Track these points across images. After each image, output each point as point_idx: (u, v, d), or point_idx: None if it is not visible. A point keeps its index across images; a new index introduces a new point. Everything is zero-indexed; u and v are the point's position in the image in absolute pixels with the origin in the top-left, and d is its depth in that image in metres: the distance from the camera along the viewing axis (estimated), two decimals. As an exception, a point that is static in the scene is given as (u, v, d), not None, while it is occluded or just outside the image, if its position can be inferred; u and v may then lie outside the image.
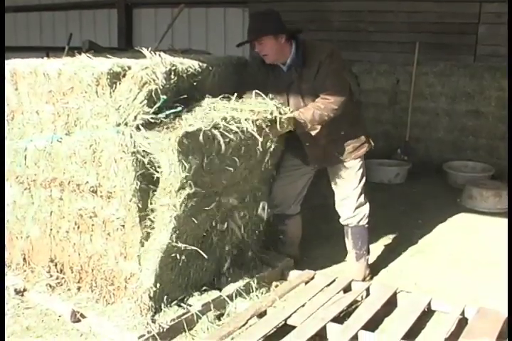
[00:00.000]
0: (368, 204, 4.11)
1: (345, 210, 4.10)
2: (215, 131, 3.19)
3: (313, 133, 3.79)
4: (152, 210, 3.23)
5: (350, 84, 3.89)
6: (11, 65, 3.52)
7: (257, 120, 3.39)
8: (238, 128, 3.29)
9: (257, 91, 3.60)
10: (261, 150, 3.53)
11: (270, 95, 3.67)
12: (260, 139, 3.41)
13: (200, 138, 3.13)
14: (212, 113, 3.32)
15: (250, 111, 3.43)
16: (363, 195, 4.07)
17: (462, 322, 3.44)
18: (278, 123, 3.51)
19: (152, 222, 3.26)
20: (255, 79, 3.82)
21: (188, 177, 3.11)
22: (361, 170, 4.04)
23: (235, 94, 3.55)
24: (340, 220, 4.15)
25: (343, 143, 3.93)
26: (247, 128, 3.32)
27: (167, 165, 3.06)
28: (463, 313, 3.53)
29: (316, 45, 3.81)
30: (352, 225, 4.12)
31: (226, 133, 3.24)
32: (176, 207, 3.19)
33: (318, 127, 3.77)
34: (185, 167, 3.07)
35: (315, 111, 3.68)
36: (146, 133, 3.08)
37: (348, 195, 4.05)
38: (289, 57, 3.76)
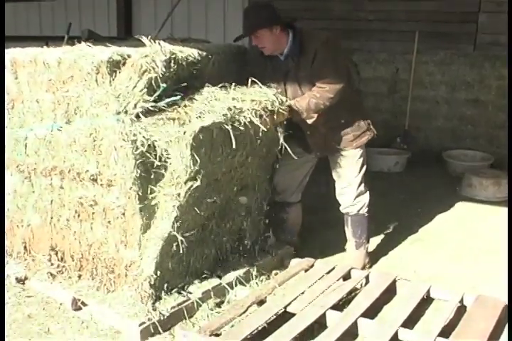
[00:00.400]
0: (368, 193, 4.13)
1: (345, 199, 4.11)
2: (227, 124, 3.21)
3: (309, 121, 3.80)
4: (153, 198, 3.24)
5: (349, 72, 3.90)
6: (10, 53, 3.52)
7: (259, 110, 3.41)
8: (245, 118, 3.30)
9: (253, 79, 3.61)
10: (261, 139, 3.54)
11: (270, 84, 3.69)
12: (265, 129, 3.43)
13: (214, 132, 3.16)
14: (214, 103, 3.33)
15: (252, 101, 3.45)
16: (363, 184, 4.09)
17: (461, 310, 3.46)
18: (277, 112, 3.53)
19: (154, 210, 3.27)
20: (254, 67, 3.83)
21: (197, 170, 3.13)
22: (362, 158, 4.05)
23: (233, 84, 3.55)
24: (341, 209, 4.16)
25: (343, 132, 3.94)
26: (250, 119, 3.33)
27: (178, 158, 3.08)
28: (462, 301, 3.55)
29: (312, 34, 3.82)
30: (352, 214, 4.13)
31: (235, 125, 3.26)
32: (180, 196, 3.20)
33: (315, 116, 3.78)
34: (196, 160, 3.09)
35: (310, 99, 3.70)
36: (159, 125, 3.09)
37: (349, 184, 4.06)
38: (286, 46, 3.77)
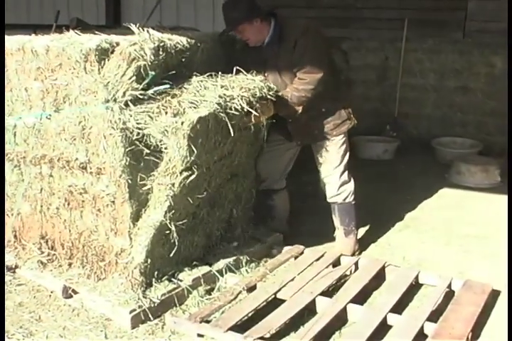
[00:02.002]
0: (352, 181, 4.12)
1: (329, 188, 4.11)
2: (222, 114, 3.22)
3: (296, 114, 3.81)
4: (144, 186, 3.25)
5: (333, 61, 3.92)
6: (-2, 41, 3.50)
7: (248, 97, 3.41)
8: (237, 105, 3.31)
9: (238, 68, 3.61)
10: (251, 126, 3.56)
11: (254, 72, 3.68)
12: (257, 114, 3.44)
13: (210, 122, 3.17)
14: (204, 92, 3.32)
15: (241, 89, 3.44)
16: (346, 172, 4.08)
17: (449, 295, 3.49)
18: (266, 99, 3.54)
19: (144, 198, 3.28)
20: (242, 55, 3.83)
21: (193, 160, 3.14)
22: (343, 147, 4.05)
23: (221, 72, 3.54)
24: (327, 198, 4.17)
25: (323, 120, 3.94)
26: (241, 105, 3.33)
27: (175, 149, 3.09)
28: (450, 286, 3.58)
29: (292, 22, 3.84)
30: (338, 203, 4.14)
31: (228, 112, 3.26)
32: (175, 186, 3.22)
33: (300, 108, 3.79)
34: (192, 151, 3.10)
35: (293, 93, 3.72)
36: (152, 115, 3.09)
37: (331, 173, 4.06)
38: (267, 36, 3.79)
